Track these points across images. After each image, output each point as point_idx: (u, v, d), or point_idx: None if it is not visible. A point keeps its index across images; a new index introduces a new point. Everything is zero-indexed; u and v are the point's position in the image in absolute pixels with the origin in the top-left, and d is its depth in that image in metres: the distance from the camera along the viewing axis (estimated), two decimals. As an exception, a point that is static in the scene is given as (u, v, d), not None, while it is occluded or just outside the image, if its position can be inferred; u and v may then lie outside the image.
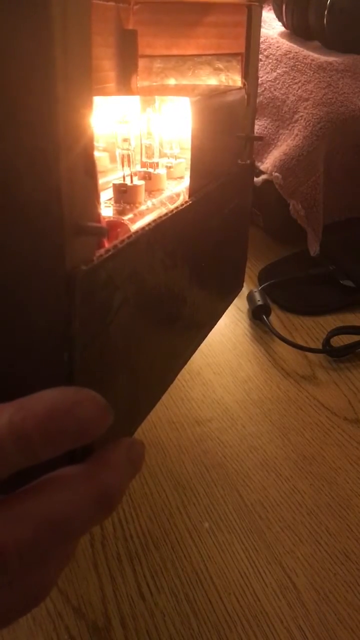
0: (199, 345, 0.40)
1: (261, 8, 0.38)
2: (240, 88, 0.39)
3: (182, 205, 0.30)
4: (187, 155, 0.33)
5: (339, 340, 0.58)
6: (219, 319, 0.44)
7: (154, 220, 0.27)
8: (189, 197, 0.32)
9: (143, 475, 0.43)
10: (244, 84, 0.39)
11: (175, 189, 0.36)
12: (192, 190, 0.32)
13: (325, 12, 0.73)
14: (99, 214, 0.22)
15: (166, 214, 0.29)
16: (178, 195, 0.35)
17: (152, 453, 0.45)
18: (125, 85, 0.37)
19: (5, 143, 0.19)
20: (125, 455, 0.23)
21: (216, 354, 0.56)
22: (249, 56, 0.39)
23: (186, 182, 0.34)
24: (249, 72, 0.39)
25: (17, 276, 0.21)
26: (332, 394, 0.52)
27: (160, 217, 0.28)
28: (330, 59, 0.72)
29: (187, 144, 0.33)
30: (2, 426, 0.19)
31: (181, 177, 0.39)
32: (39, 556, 0.20)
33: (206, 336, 0.41)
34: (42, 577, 0.22)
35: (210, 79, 0.40)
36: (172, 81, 0.40)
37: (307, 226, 0.70)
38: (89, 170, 0.21)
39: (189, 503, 0.40)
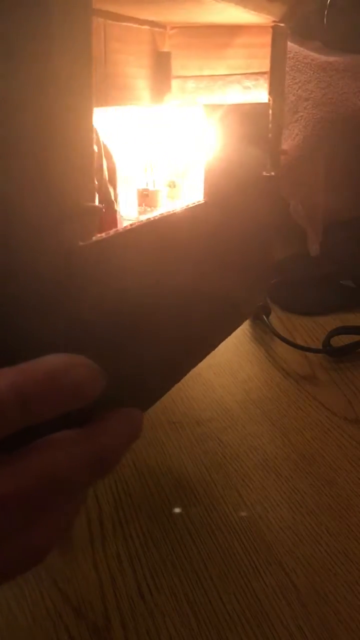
0: (224, 336, 0.41)
1: (286, 28, 0.41)
2: (264, 103, 0.41)
3: (192, 204, 0.32)
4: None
5: (339, 340, 0.58)
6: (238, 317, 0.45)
7: (161, 214, 0.29)
8: (203, 198, 0.34)
9: (143, 475, 0.43)
10: (269, 100, 0.42)
11: (196, 196, 0.38)
12: (206, 192, 0.34)
13: (326, 12, 0.73)
14: (94, 195, 0.24)
15: (173, 210, 0.30)
16: (199, 201, 0.36)
17: (152, 453, 0.45)
18: (157, 103, 0.40)
19: (9, 132, 0.21)
20: (123, 421, 0.24)
21: (216, 354, 0.56)
22: (273, 74, 0.41)
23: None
24: (274, 89, 0.41)
25: (22, 253, 0.23)
26: (332, 394, 0.52)
27: (168, 212, 0.30)
28: (330, 58, 0.72)
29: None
30: (5, 387, 0.20)
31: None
32: (39, 507, 0.21)
33: (233, 326, 0.43)
34: (42, 532, 0.23)
35: (240, 97, 0.42)
36: (202, 100, 0.42)
37: (307, 226, 0.70)
38: (86, 155, 0.23)
39: (189, 503, 0.40)
